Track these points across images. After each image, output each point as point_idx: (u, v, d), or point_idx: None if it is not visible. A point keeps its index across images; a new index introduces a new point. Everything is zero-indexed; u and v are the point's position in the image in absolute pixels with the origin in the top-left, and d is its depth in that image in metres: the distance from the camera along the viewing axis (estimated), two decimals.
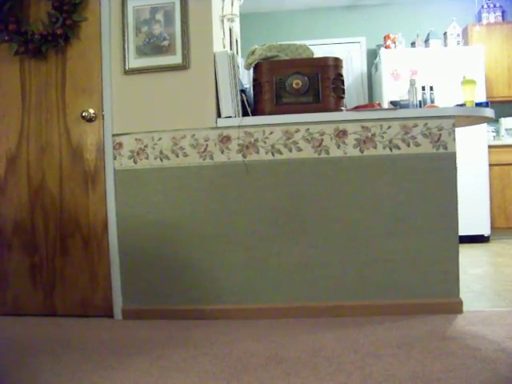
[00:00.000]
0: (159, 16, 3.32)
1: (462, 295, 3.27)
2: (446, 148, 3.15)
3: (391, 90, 6.13)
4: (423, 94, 5.32)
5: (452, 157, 3.16)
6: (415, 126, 3.16)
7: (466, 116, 3.34)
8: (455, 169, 3.18)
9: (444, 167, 3.16)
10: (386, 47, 6.53)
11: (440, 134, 3.15)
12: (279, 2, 6.88)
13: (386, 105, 5.72)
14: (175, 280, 3.34)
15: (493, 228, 6.22)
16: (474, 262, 5.04)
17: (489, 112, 3.39)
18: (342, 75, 3.28)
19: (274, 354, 2.60)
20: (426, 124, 3.16)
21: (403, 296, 3.22)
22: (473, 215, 6.05)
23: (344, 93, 3.30)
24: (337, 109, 3.24)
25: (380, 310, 3.20)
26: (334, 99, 3.23)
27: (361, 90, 7.04)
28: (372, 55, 6.93)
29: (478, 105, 3.55)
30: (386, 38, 6.63)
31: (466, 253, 5.44)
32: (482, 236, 6.17)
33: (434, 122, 3.16)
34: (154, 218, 3.34)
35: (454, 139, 3.16)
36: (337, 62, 3.28)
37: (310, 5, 6.96)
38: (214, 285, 3.32)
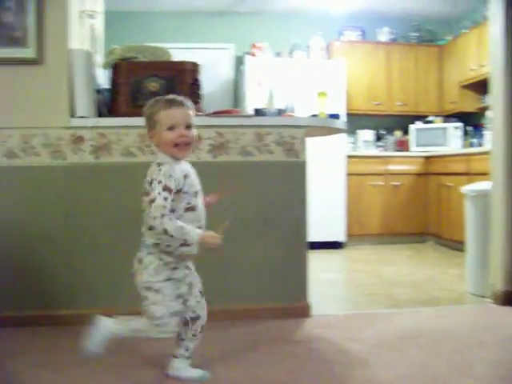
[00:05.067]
0: (10, 2, 3.12)
1: (313, 299, 3.37)
2: (297, 157, 3.25)
3: (255, 98, 6.22)
4: (285, 103, 5.44)
5: (302, 165, 3.26)
6: (269, 134, 3.23)
7: (321, 127, 3.47)
8: (305, 177, 3.28)
9: (295, 175, 3.26)
10: (251, 55, 6.63)
11: (292, 143, 3.24)
12: (148, 2, 6.79)
13: (250, 112, 5.80)
14: (26, 285, 3.17)
15: (348, 235, 6.49)
16: (328, 268, 5.24)
17: (339, 123, 3.53)
18: (198, 80, 3.29)
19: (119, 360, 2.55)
20: (280, 133, 3.24)
21: (253, 301, 3.26)
22: (330, 222, 6.29)
23: (200, 98, 3.31)
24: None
25: (230, 314, 3.21)
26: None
27: (227, 96, 7.10)
28: (240, 62, 7.01)
29: (332, 116, 3.70)
30: (253, 46, 6.75)
31: (322, 258, 5.63)
32: (338, 242, 6.42)
33: (288, 131, 3.24)
34: (2, 218, 3.17)
35: (305, 148, 3.26)
36: (194, 67, 3.29)
37: (180, 8, 6.92)
38: (66, 289, 3.19)
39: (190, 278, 2.29)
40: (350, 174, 6.48)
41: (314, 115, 3.66)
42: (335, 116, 3.71)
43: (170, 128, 2.15)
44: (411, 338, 2.87)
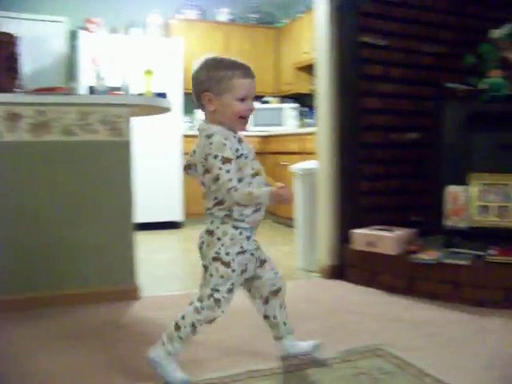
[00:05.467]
0: None
1: (144, 281, 3.35)
2: (121, 136, 3.17)
3: (90, 75, 5.98)
4: (121, 81, 5.30)
5: (127, 145, 3.20)
6: (93, 112, 3.12)
7: (148, 105, 3.41)
8: (130, 156, 3.23)
9: (119, 155, 3.19)
10: (86, 30, 6.37)
11: (117, 122, 3.16)
12: None
13: (84, 90, 5.59)
14: None
15: (187, 214, 6.47)
16: (163, 248, 5.22)
17: (164, 102, 3.49)
18: (17, 54, 3.09)
19: None
20: (105, 112, 3.14)
21: (84, 285, 3.18)
22: (167, 202, 6.26)
23: (18, 73, 3.12)
24: (9, 90, 3.04)
25: (63, 300, 3.10)
26: (6, 79, 3.03)
27: (60, 72, 6.75)
28: (74, 37, 6.70)
29: (159, 95, 3.65)
30: (88, 21, 6.49)
31: (158, 239, 5.61)
32: (176, 222, 6.40)
33: (113, 109, 3.15)
34: None
35: (130, 127, 3.20)
36: (12, 39, 3.09)
37: None
38: None
39: (259, 253, 2.20)
40: (186, 154, 6.43)
41: (140, 94, 3.60)
42: (162, 95, 3.66)
43: (242, 99, 2.03)
44: (234, 316, 2.92)
